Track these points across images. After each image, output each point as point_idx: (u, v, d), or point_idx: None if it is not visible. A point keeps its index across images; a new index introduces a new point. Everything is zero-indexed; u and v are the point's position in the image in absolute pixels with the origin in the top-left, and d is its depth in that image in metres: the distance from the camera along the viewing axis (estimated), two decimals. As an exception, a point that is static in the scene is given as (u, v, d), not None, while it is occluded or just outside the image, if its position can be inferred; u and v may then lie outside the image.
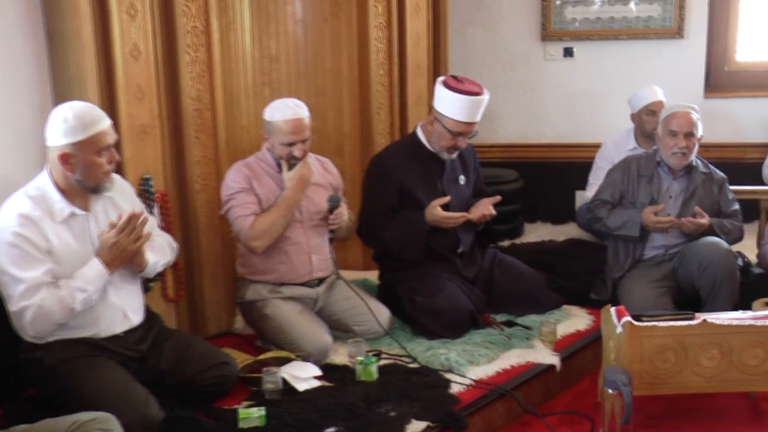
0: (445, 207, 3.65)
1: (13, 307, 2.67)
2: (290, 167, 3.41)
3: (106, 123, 2.75)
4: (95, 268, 2.74)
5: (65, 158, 2.71)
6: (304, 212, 3.49)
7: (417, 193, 3.67)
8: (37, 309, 2.64)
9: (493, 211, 3.72)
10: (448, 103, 3.56)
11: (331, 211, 3.46)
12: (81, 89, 3.11)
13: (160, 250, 3.03)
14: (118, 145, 3.17)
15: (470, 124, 3.60)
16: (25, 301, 2.64)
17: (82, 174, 2.73)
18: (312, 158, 3.53)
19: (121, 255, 2.78)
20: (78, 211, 2.78)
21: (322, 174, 3.60)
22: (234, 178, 3.41)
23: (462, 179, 3.83)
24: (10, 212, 2.69)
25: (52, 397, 2.80)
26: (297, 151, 3.38)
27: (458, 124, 3.57)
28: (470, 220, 3.70)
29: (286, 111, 3.36)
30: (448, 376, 3.18)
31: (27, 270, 2.64)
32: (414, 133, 3.79)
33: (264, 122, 3.44)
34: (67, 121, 2.69)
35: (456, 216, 3.64)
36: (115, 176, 2.96)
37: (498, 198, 3.75)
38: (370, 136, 4.25)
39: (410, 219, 3.61)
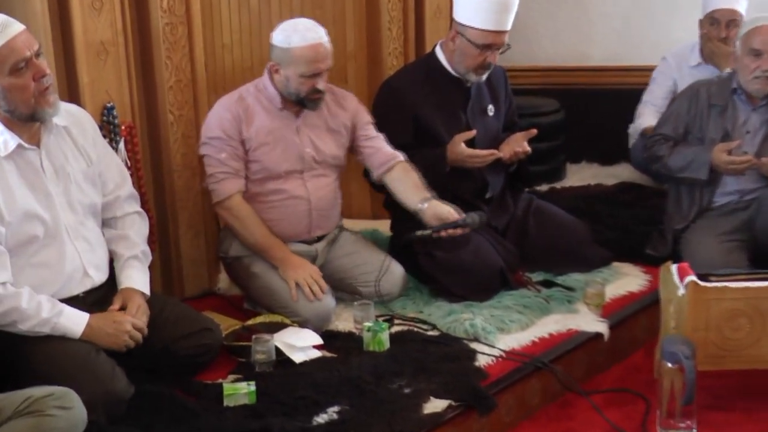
0: (470, 143, 3.63)
1: None
2: (311, 103, 3.36)
3: (14, 29, 2.64)
4: (77, 323, 2.74)
5: None
6: (305, 161, 3.47)
7: (436, 127, 3.64)
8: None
9: (528, 148, 3.69)
10: (471, 10, 3.52)
11: (459, 227, 3.33)
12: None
13: (143, 260, 3.04)
14: (72, 66, 3.16)
15: (500, 33, 3.56)
16: None
17: (7, 102, 2.67)
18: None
19: (110, 341, 2.79)
20: (26, 145, 2.75)
21: (332, 115, 3.53)
22: (218, 119, 3.37)
23: (490, 109, 3.81)
24: None
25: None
26: (322, 84, 3.33)
27: (485, 34, 3.54)
28: (500, 159, 3.68)
29: (306, 34, 3.29)
30: (474, 345, 3.19)
31: None
32: (432, 54, 3.75)
33: (273, 50, 3.35)
34: None
35: (483, 154, 3.60)
36: (69, 105, 2.92)
37: (534, 132, 3.71)
38: (378, 56, 4.20)
39: (427, 157, 3.57)
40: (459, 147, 3.58)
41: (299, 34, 3.30)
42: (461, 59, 3.63)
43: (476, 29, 3.53)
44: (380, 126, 3.64)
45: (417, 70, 3.74)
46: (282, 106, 3.41)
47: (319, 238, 3.57)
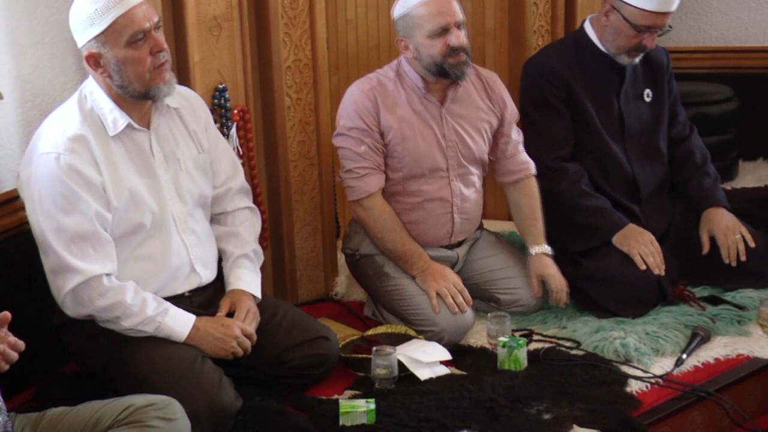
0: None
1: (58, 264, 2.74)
2: (453, 69, 3.30)
3: (131, 0, 2.72)
4: (184, 324, 2.81)
5: (94, 60, 2.75)
6: (451, 159, 3.46)
7: (588, 113, 3.60)
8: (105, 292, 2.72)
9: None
10: None
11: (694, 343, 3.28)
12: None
13: (254, 260, 3.10)
14: (182, 43, 3.23)
15: (662, 14, 3.50)
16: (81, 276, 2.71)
17: (121, 76, 2.75)
18: (468, 76, 3.46)
19: (216, 346, 2.84)
20: (136, 125, 2.83)
21: (481, 100, 3.52)
22: (357, 106, 3.37)
23: (647, 94, 3.75)
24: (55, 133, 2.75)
25: (95, 374, 2.90)
26: (456, 39, 3.28)
27: (645, 14, 3.49)
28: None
29: None
30: (625, 369, 3.16)
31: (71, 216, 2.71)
32: (581, 30, 3.73)
33: (396, 25, 3.37)
34: (82, 11, 2.71)
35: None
36: (181, 87, 2.99)
37: None
38: (521, 35, 4.18)
39: (599, 213, 3.56)
40: (647, 237, 3.52)
41: None
42: (613, 38, 3.58)
43: (636, 7, 3.47)
44: (531, 113, 3.62)
45: (565, 49, 3.71)
46: (425, 90, 3.41)
47: (460, 243, 3.58)
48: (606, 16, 3.58)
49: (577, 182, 3.56)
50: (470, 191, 3.52)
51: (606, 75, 3.65)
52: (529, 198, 3.58)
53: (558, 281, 3.48)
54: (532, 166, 3.59)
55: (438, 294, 3.32)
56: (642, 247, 3.47)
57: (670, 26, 3.57)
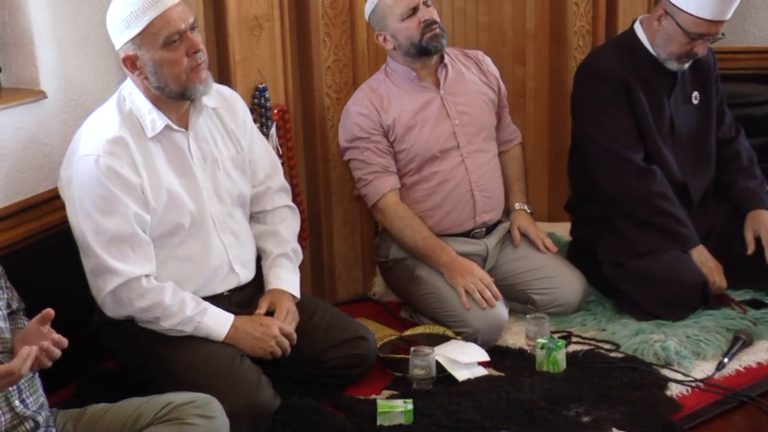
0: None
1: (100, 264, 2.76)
2: (431, 43, 3.40)
3: (166, 2, 2.74)
4: (222, 323, 2.83)
5: (131, 63, 2.76)
6: (460, 136, 3.50)
7: (645, 116, 3.57)
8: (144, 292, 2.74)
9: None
10: None
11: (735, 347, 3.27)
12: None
13: (294, 259, 3.11)
14: (223, 43, 3.25)
15: (717, 23, 3.46)
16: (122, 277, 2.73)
17: (158, 78, 2.76)
18: (453, 55, 3.59)
19: (255, 345, 2.85)
20: (174, 126, 2.85)
21: (476, 77, 3.58)
22: (352, 118, 3.46)
23: (695, 97, 3.71)
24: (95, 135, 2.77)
25: (135, 371, 2.92)
26: (424, 15, 3.38)
27: (699, 22, 3.44)
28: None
29: None
30: (665, 372, 3.14)
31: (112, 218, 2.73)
32: (631, 32, 3.68)
33: (370, 23, 3.50)
34: (118, 13, 2.73)
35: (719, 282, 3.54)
36: (220, 86, 3.00)
37: None
38: (563, 35, 4.14)
39: (683, 234, 3.53)
40: (713, 264, 3.52)
41: None
42: (665, 43, 3.54)
43: (691, 15, 3.42)
44: (593, 116, 3.58)
45: (620, 50, 3.65)
46: (418, 78, 3.47)
47: (488, 231, 3.58)
48: (658, 21, 3.53)
49: (666, 187, 3.54)
50: (486, 167, 3.56)
51: (659, 78, 3.61)
52: (516, 161, 3.76)
53: (536, 231, 3.62)
54: (519, 135, 3.81)
55: (466, 291, 3.33)
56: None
57: (722, 34, 3.53)
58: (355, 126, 3.45)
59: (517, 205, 3.67)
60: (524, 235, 3.64)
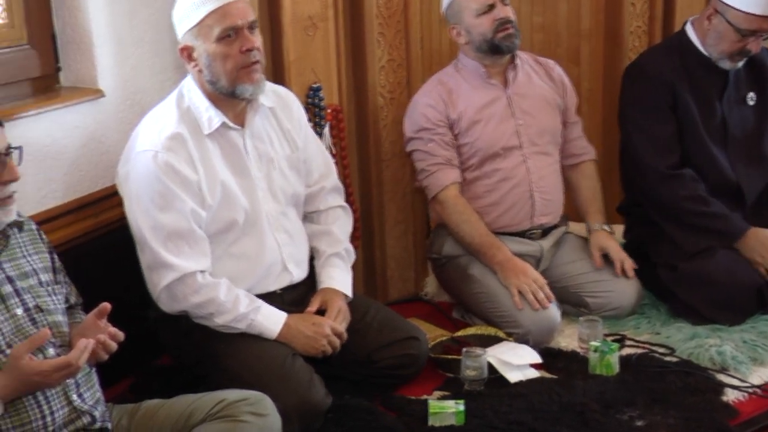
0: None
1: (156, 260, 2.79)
2: (503, 42, 3.40)
3: None
4: (275, 321, 2.84)
5: (187, 53, 2.79)
6: (522, 136, 3.50)
7: (693, 118, 3.54)
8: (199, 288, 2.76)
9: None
10: None
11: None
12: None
13: (346, 259, 3.11)
14: (278, 42, 3.27)
15: None
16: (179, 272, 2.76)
17: (210, 71, 2.78)
18: (524, 59, 3.58)
19: (307, 344, 2.86)
20: (231, 124, 2.86)
21: (545, 84, 3.60)
22: (420, 109, 3.48)
23: (751, 98, 3.67)
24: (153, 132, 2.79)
25: (189, 367, 2.95)
26: (500, 13, 3.38)
27: (750, 18, 3.41)
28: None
29: None
30: (721, 377, 3.11)
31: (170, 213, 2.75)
32: (683, 33, 3.66)
33: (446, 17, 3.50)
34: (182, 3, 2.76)
35: None
36: (276, 86, 3.02)
37: None
38: (618, 36, 4.10)
39: (722, 229, 3.51)
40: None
41: None
42: (716, 42, 3.51)
43: (740, 11, 3.40)
44: (638, 119, 3.58)
45: (670, 52, 3.63)
46: (487, 75, 3.48)
47: (544, 233, 3.57)
48: (709, 20, 3.51)
49: (696, 189, 3.51)
50: (547, 170, 3.56)
51: (709, 79, 3.58)
52: (590, 180, 3.70)
53: (619, 252, 3.53)
54: (592, 152, 3.73)
55: (519, 291, 3.32)
56: None
57: None
58: (422, 117, 3.46)
59: (596, 226, 3.60)
60: (583, 239, 3.64)
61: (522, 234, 3.53)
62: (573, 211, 3.83)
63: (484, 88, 3.50)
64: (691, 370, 3.12)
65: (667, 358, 3.23)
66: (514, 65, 3.53)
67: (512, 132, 3.49)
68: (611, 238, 3.59)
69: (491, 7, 3.39)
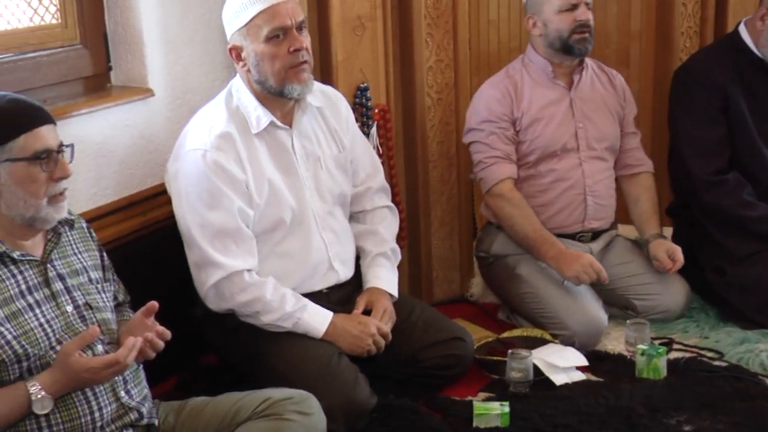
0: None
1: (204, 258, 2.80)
2: (578, 45, 3.38)
3: None
4: (321, 320, 2.84)
5: (236, 53, 2.81)
6: (581, 139, 3.50)
7: (746, 121, 3.51)
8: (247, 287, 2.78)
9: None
10: None
11: None
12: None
13: (392, 259, 3.12)
14: (326, 43, 3.28)
15: None
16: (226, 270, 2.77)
17: (258, 71, 2.79)
18: (589, 64, 3.56)
19: (353, 343, 2.86)
20: (279, 123, 2.88)
21: (607, 93, 3.57)
22: (485, 100, 3.47)
23: (804, 99, 3.62)
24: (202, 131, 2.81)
25: (235, 365, 2.97)
26: (583, 13, 3.35)
27: None
28: None
29: None
30: None
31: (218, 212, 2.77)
32: (736, 34, 3.63)
33: (524, 2, 3.48)
34: (232, 3, 2.78)
35: None
36: (324, 86, 3.03)
37: None
38: (669, 37, 4.08)
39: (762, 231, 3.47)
40: None
41: None
42: (770, 44, 3.48)
43: None
44: (686, 123, 3.56)
45: (722, 54, 3.61)
46: (553, 74, 3.46)
47: (594, 236, 3.55)
48: (762, 21, 3.48)
49: (740, 194, 3.47)
50: (602, 175, 3.54)
51: (763, 81, 3.55)
52: (648, 191, 3.65)
53: (680, 255, 3.46)
54: (650, 164, 3.69)
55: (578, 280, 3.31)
56: None
57: None
58: (486, 109, 3.46)
59: (657, 234, 3.55)
60: (631, 242, 3.63)
61: (572, 237, 3.52)
62: (622, 215, 3.81)
63: (548, 87, 3.48)
64: (741, 375, 3.09)
65: (716, 363, 3.20)
66: (581, 68, 3.51)
67: (571, 134, 3.48)
68: (672, 244, 3.53)
69: (575, 6, 3.36)
